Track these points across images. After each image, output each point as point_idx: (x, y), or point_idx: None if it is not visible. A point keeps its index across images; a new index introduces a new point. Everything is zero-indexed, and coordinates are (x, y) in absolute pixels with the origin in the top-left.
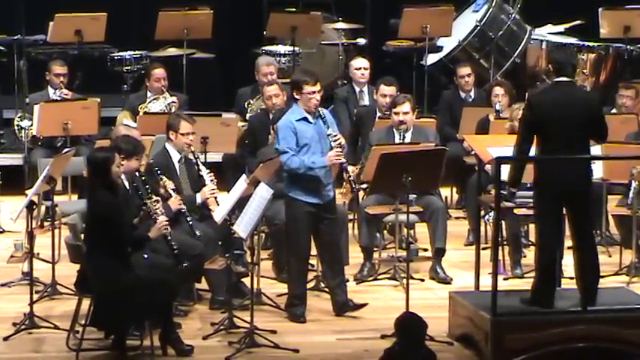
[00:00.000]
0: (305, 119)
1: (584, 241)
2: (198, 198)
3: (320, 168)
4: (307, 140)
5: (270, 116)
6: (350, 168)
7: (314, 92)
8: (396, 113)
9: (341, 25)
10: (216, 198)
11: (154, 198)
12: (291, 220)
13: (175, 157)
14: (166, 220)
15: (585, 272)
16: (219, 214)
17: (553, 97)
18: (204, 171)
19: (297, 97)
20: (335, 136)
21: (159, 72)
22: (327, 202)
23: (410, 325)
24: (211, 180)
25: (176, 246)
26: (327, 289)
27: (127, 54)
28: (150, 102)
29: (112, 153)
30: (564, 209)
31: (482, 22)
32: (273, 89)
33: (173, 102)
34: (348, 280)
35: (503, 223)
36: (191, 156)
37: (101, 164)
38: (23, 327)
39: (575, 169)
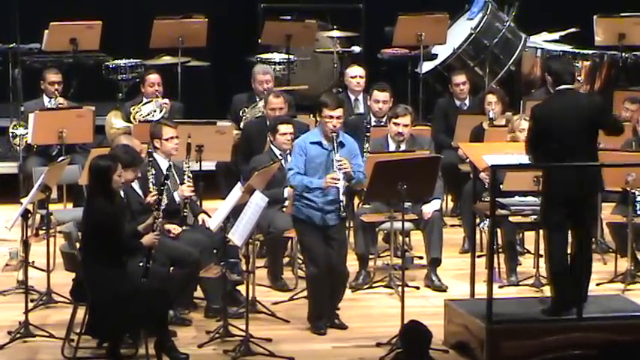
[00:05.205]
0: (319, 143)
1: (581, 247)
2: (177, 197)
3: (318, 190)
4: (315, 165)
5: (268, 123)
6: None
7: (331, 117)
8: (395, 124)
9: (336, 33)
10: (195, 192)
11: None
12: (302, 236)
13: (164, 165)
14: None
15: (579, 276)
16: (214, 222)
17: (556, 106)
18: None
19: (318, 118)
20: (341, 162)
21: (153, 77)
22: (330, 226)
23: (414, 334)
24: (189, 177)
25: (150, 263)
26: None
27: (121, 62)
28: (143, 104)
29: (115, 162)
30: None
31: (477, 30)
32: (278, 102)
33: (164, 103)
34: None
35: (498, 230)
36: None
37: (103, 172)
38: (18, 336)
39: (580, 175)
